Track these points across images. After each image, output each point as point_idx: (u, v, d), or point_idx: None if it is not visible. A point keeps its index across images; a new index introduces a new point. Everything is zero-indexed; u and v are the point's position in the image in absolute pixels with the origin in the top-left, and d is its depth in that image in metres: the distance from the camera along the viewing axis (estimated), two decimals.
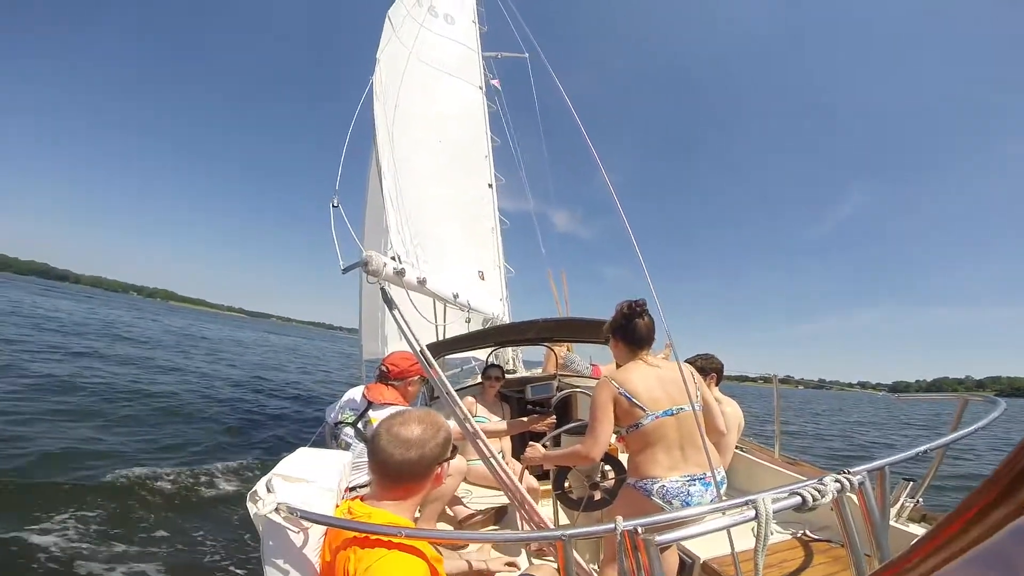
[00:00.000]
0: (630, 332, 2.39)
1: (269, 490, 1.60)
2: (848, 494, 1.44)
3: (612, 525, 1.25)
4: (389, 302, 2.44)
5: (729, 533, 1.90)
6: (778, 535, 2.85)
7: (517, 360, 8.52)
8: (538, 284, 11.18)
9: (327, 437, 3.63)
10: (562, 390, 4.24)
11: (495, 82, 10.00)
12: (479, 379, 4.87)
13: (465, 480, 4.04)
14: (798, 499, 1.36)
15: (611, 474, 2.96)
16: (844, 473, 1.46)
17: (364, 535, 1.37)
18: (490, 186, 8.53)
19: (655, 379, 2.27)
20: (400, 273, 3.04)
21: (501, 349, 7.35)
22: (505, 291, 8.15)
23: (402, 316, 2.39)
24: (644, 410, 2.18)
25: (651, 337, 2.39)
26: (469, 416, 2.21)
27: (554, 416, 3.35)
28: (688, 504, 2.08)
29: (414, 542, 1.39)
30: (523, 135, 10.26)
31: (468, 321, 6.40)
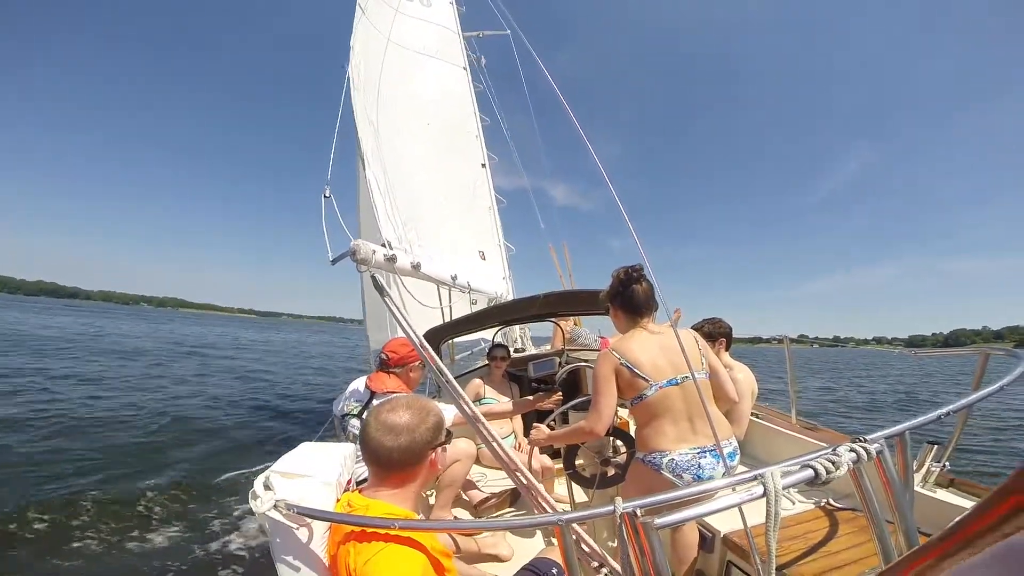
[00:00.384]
0: (628, 299, 2.30)
1: (267, 487, 1.58)
2: (865, 463, 1.35)
3: (611, 507, 1.17)
4: (380, 289, 2.39)
5: (740, 509, 1.84)
6: (801, 504, 2.78)
7: (525, 338, 8.47)
8: (541, 260, 11.14)
9: (336, 429, 3.61)
10: (569, 365, 4.16)
11: (480, 61, 9.83)
12: (487, 361, 4.82)
13: (479, 463, 4.01)
14: (810, 472, 1.26)
15: (623, 449, 2.91)
16: (860, 441, 1.36)
17: (361, 529, 1.35)
18: (483, 166, 8.44)
19: (658, 348, 2.18)
20: (391, 259, 2.98)
21: (508, 328, 7.29)
22: (507, 269, 8.09)
23: (397, 303, 2.33)
24: (647, 380, 2.10)
25: (651, 303, 2.30)
26: (468, 400, 2.15)
27: (560, 393, 3.30)
28: (700, 477, 2.01)
29: (412, 533, 1.35)
30: (515, 112, 10.09)
31: (474, 303, 6.35)
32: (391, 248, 3.20)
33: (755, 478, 1.24)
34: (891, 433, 1.45)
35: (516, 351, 6.73)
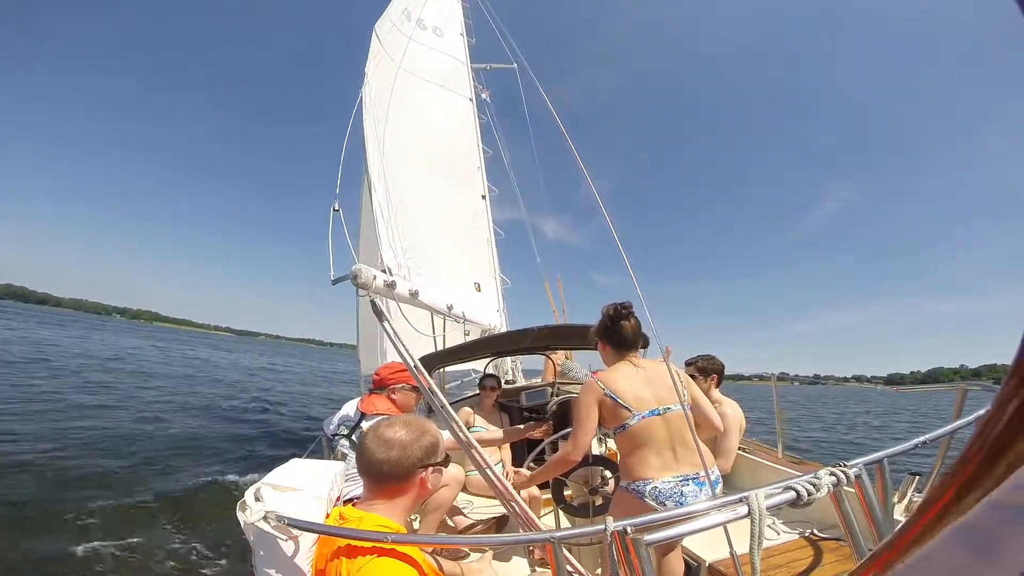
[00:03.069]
0: (615, 334, 2.38)
1: (258, 499, 1.59)
2: (845, 488, 1.40)
3: (602, 526, 1.21)
4: (379, 314, 2.44)
5: (727, 532, 1.88)
6: (785, 535, 2.82)
7: (516, 370, 8.45)
8: (534, 293, 11.14)
9: (324, 449, 3.60)
10: (560, 396, 4.20)
11: (485, 94, 10.02)
12: (478, 390, 4.84)
13: (466, 491, 4.00)
14: (792, 494, 1.31)
15: (610, 478, 2.94)
16: (840, 466, 1.42)
17: (354, 542, 1.35)
18: (483, 197, 8.52)
19: (641, 379, 2.25)
20: (390, 286, 3.03)
21: (500, 359, 7.29)
22: (502, 302, 8.11)
23: (393, 328, 2.38)
24: (630, 410, 2.16)
25: (637, 339, 2.38)
26: (461, 424, 2.19)
27: (550, 423, 3.32)
28: (682, 504, 2.04)
29: (405, 548, 1.36)
30: (513, 144, 10.24)
31: (467, 334, 6.38)
32: (391, 274, 3.27)
33: (740, 500, 1.29)
34: (870, 460, 1.50)
35: (507, 383, 6.73)
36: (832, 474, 1.38)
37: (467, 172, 8.44)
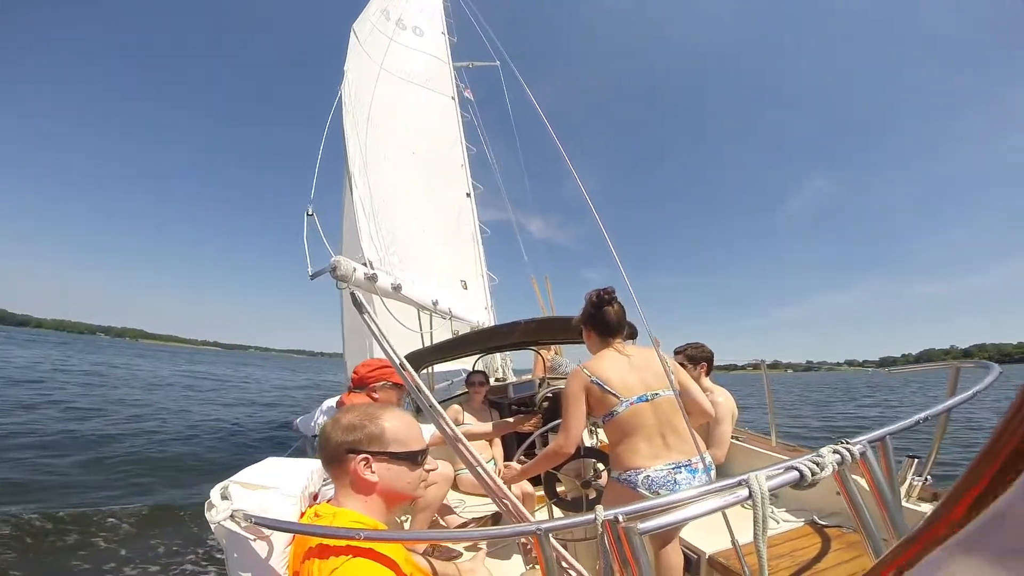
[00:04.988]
0: (600, 320, 2.35)
1: (224, 497, 1.50)
2: (849, 466, 1.33)
3: (591, 516, 1.13)
4: (359, 306, 2.34)
5: (727, 519, 1.81)
6: (786, 524, 2.79)
7: (506, 368, 8.41)
8: (522, 292, 11.10)
9: (306, 449, 3.50)
10: (549, 388, 4.14)
11: (467, 92, 9.98)
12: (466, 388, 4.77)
13: (457, 489, 3.94)
14: (795, 474, 1.23)
15: (603, 471, 2.87)
16: (843, 443, 1.34)
17: (326, 540, 1.24)
18: (468, 195, 8.50)
19: (627, 366, 2.21)
20: (371, 279, 2.93)
21: (489, 356, 7.24)
22: (489, 299, 8.07)
23: (375, 322, 2.29)
24: (617, 397, 2.11)
25: (622, 324, 2.35)
26: (447, 419, 2.11)
27: (540, 415, 3.26)
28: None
29: (382, 547, 1.26)
30: (498, 143, 10.17)
31: (455, 333, 6.32)
32: (372, 268, 3.17)
33: (740, 483, 1.20)
34: (873, 437, 1.43)
35: (497, 380, 6.67)
36: (836, 452, 1.30)
37: (451, 170, 8.40)
